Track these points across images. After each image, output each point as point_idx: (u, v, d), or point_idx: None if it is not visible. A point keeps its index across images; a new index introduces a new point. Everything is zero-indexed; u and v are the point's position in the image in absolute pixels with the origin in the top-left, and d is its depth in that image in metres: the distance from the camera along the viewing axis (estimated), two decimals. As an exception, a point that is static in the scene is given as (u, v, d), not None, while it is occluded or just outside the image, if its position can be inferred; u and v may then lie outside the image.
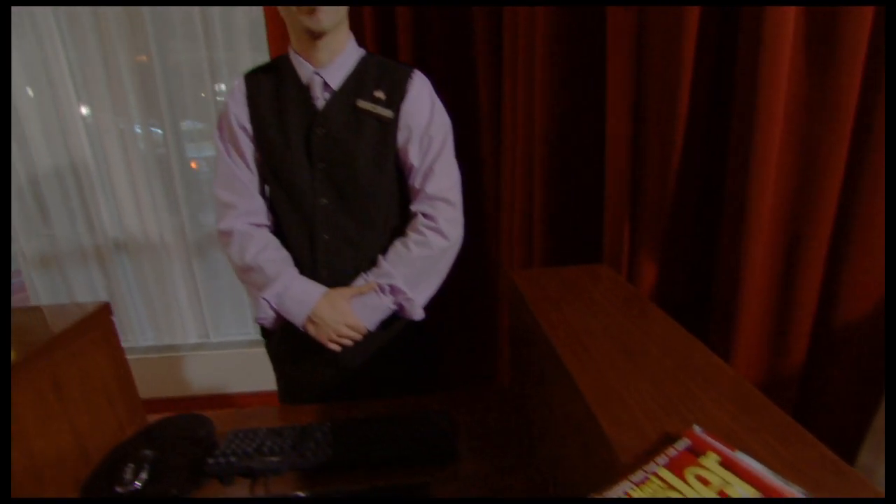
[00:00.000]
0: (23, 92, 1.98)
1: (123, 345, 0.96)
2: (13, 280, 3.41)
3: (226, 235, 0.98)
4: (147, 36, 1.91)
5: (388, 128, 0.96)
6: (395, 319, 1.01)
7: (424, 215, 0.97)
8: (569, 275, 0.94)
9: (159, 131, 2.07)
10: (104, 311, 0.92)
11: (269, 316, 0.95)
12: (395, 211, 1.01)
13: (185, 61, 2.01)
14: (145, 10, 1.88)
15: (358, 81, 0.96)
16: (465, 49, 1.67)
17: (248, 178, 0.99)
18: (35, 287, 2.14)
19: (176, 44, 1.99)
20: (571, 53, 1.19)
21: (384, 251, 0.99)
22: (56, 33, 1.92)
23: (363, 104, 0.95)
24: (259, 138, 0.97)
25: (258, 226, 0.99)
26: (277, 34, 1.63)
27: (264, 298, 0.93)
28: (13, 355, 0.74)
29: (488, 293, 1.78)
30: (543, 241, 1.31)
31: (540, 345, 0.79)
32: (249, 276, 0.95)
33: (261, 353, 2.20)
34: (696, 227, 1.12)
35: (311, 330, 0.94)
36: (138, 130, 2.04)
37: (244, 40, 1.98)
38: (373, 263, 0.99)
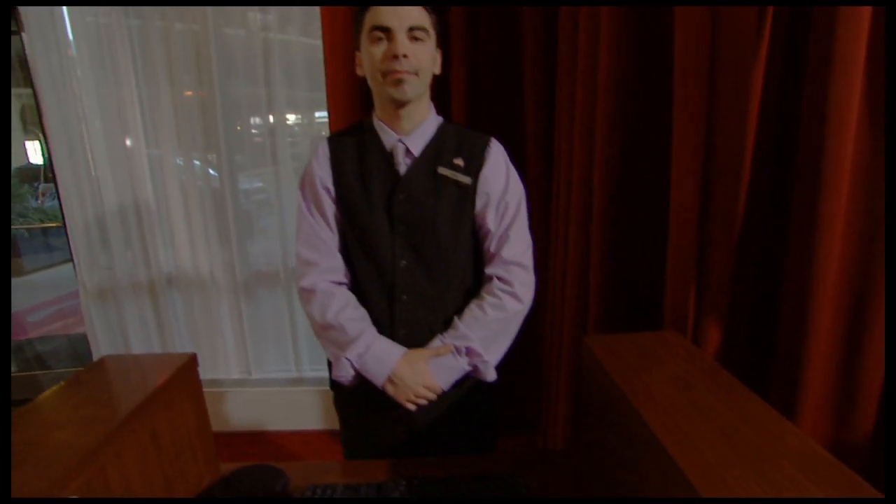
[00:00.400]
0: (97, 129, 2.11)
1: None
2: (70, 302, 3.54)
3: (308, 293, 1.02)
4: (212, 73, 2.02)
5: (467, 193, 1.00)
6: (464, 378, 1.03)
7: (500, 279, 1.01)
8: (642, 342, 0.95)
9: (215, 174, 2.17)
10: (192, 362, 0.97)
11: (349, 375, 0.98)
12: (470, 273, 1.05)
13: (244, 97, 2.13)
14: (213, 48, 2.00)
15: (438, 148, 1.02)
16: (515, 108, 1.75)
17: (329, 237, 1.04)
18: (91, 314, 2.22)
19: (237, 81, 2.11)
20: (632, 104, 1.24)
21: (458, 311, 1.02)
22: (132, 70, 2.05)
23: (444, 171, 1.00)
24: (342, 200, 1.02)
25: (338, 284, 1.04)
26: (336, 73, 1.73)
27: (347, 358, 0.96)
28: (123, 410, 0.78)
29: (535, 344, 1.79)
30: (599, 292, 1.33)
31: (623, 416, 0.80)
32: (329, 333, 0.99)
33: (300, 391, 2.24)
34: (760, 291, 1.14)
35: (391, 390, 0.96)
36: (197, 164, 2.15)
37: (302, 79, 2.10)
38: (447, 323, 1.02)
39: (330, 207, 1.04)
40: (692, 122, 1.07)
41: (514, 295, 1.00)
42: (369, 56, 0.96)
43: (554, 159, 1.64)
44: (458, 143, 1.03)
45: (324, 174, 1.03)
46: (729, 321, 1.12)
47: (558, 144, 1.59)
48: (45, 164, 5.66)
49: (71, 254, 2.17)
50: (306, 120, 2.26)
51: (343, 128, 1.12)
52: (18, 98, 5.24)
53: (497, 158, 1.03)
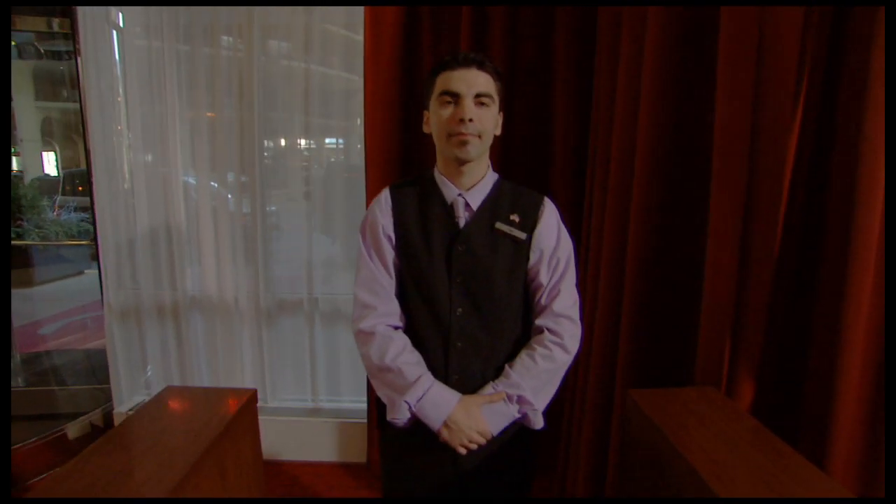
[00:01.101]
0: (138, 148, 2.18)
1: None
2: (80, 316, 3.55)
3: (366, 335, 1.06)
4: (253, 99, 2.10)
5: (521, 248, 1.07)
6: (511, 424, 1.07)
7: (550, 331, 1.06)
8: (684, 397, 1.01)
9: (246, 209, 2.23)
10: (253, 398, 1.00)
11: (405, 417, 1.01)
12: (519, 322, 1.10)
13: (279, 121, 2.21)
14: (256, 78, 2.09)
15: (495, 204, 1.09)
16: (546, 165, 1.83)
17: (388, 282, 1.09)
18: (113, 332, 2.24)
19: (276, 108, 2.20)
20: (670, 162, 1.31)
21: (508, 359, 1.07)
22: (176, 93, 2.12)
23: (501, 226, 1.07)
24: (403, 249, 1.08)
25: (395, 328, 1.08)
26: (375, 102, 1.82)
27: (405, 401, 1.00)
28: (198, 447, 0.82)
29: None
30: (629, 345, 1.38)
31: (675, 468, 0.84)
32: (387, 376, 1.03)
33: (316, 422, 2.24)
34: (791, 350, 1.19)
35: (445, 434, 1.00)
36: (230, 197, 2.22)
37: (338, 108, 2.19)
38: (497, 370, 1.06)
39: (389, 254, 1.09)
40: (729, 192, 1.15)
41: (563, 346, 1.05)
42: (437, 117, 1.04)
43: (584, 210, 1.72)
44: (514, 199, 1.10)
45: (386, 222, 1.09)
46: (760, 378, 1.17)
47: (589, 197, 1.67)
48: (60, 177, 5.73)
49: (100, 271, 2.20)
50: (338, 145, 2.34)
51: (403, 178, 1.19)
52: (41, 110, 5.35)
53: (550, 216, 1.10)
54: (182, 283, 2.23)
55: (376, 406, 1.13)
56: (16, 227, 3.42)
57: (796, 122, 1.10)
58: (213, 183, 2.22)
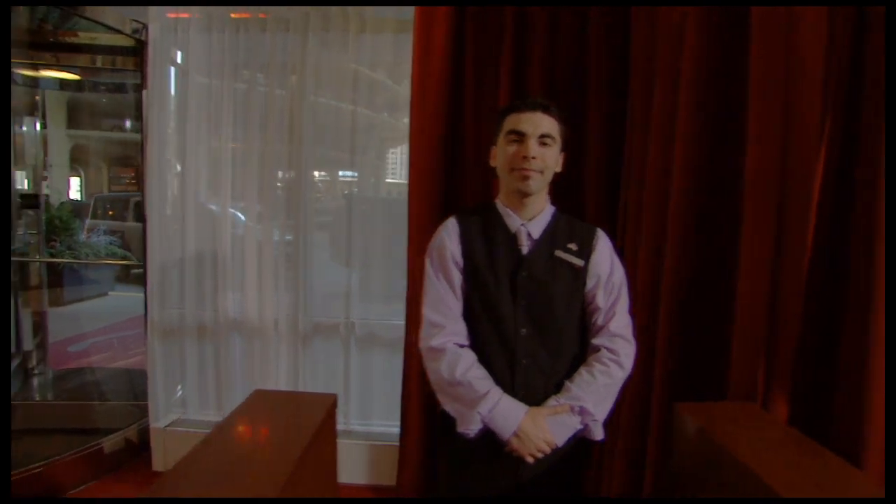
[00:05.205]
0: (191, 176, 2.32)
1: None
2: (108, 336, 3.61)
3: (436, 352, 1.15)
4: (301, 138, 2.26)
5: (579, 274, 1.18)
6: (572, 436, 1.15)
7: (607, 349, 1.16)
8: (728, 411, 1.10)
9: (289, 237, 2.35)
10: (334, 403, 1.09)
11: (476, 428, 1.10)
12: (577, 342, 1.20)
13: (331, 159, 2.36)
14: (306, 119, 2.24)
15: (554, 234, 1.21)
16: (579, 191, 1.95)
17: (454, 303, 1.20)
18: (154, 350, 2.31)
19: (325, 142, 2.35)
20: (703, 198, 1.42)
21: (567, 376, 1.17)
22: (230, 128, 2.28)
23: (560, 254, 1.18)
24: (471, 273, 1.19)
25: (463, 346, 1.18)
26: (421, 139, 1.95)
27: (478, 412, 1.09)
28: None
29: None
30: (664, 362, 1.46)
31: (727, 469, 0.92)
32: (457, 390, 1.12)
33: (346, 444, 2.28)
34: (821, 370, 1.27)
35: (515, 443, 1.08)
36: (276, 238, 2.34)
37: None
38: (558, 387, 1.16)
39: (457, 277, 1.20)
40: (760, 229, 1.27)
41: (619, 363, 1.15)
42: (504, 153, 1.18)
43: (616, 239, 1.83)
44: (571, 230, 1.22)
45: (454, 248, 1.21)
46: (793, 394, 1.25)
47: (623, 224, 1.78)
48: (83, 200, 5.89)
49: (146, 291, 2.30)
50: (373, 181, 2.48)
51: (469, 206, 1.31)
52: (72, 138, 5.56)
53: (604, 246, 1.22)
54: (223, 306, 2.32)
55: (442, 419, 1.21)
56: (49, 247, 3.53)
57: (821, 156, 1.21)
58: (257, 207, 2.35)
